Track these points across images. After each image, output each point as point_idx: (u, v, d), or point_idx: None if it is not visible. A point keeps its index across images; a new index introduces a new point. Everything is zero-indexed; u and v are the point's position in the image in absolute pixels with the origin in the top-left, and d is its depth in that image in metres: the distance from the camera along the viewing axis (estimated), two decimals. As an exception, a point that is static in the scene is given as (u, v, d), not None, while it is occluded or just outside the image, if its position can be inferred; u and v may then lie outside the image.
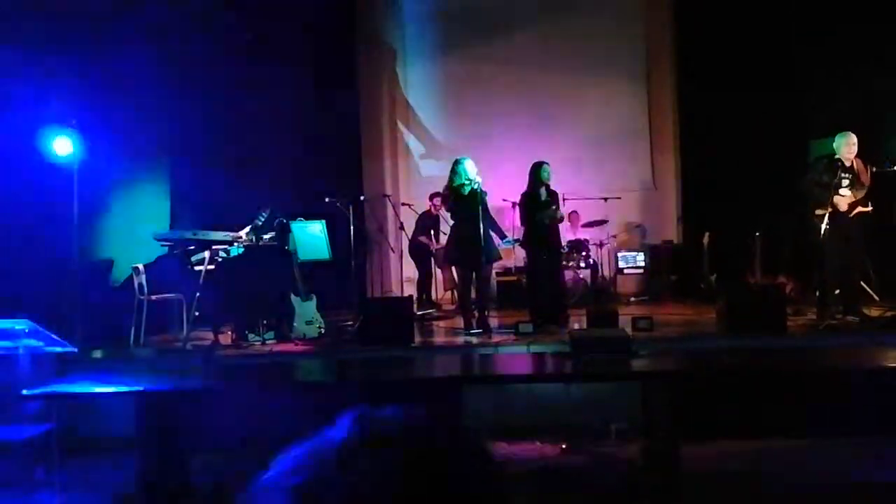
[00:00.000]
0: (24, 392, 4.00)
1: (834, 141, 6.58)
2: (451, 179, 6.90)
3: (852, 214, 6.43)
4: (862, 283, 7.04)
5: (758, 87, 9.62)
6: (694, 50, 10.20)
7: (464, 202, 6.75)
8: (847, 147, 6.46)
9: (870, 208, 6.49)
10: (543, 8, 10.86)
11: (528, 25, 10.85)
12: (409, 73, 11.22)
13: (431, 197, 9.34)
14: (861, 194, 6.47)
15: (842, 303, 6.69)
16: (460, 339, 6.70)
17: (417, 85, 11.18)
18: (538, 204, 7.09)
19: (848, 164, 6.46)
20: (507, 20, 10.96)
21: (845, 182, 6.44)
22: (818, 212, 6.38)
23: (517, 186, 7.58)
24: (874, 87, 8.43)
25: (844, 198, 6.42)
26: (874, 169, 6.66)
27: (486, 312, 7.12)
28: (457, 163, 6.88)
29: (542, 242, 7.10)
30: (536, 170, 7.16)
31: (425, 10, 11.13)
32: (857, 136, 6.54)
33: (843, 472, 4.12)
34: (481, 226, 6.64)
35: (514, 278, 9.49)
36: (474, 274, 6.89)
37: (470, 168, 6.79)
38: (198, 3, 8.49)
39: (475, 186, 6.70)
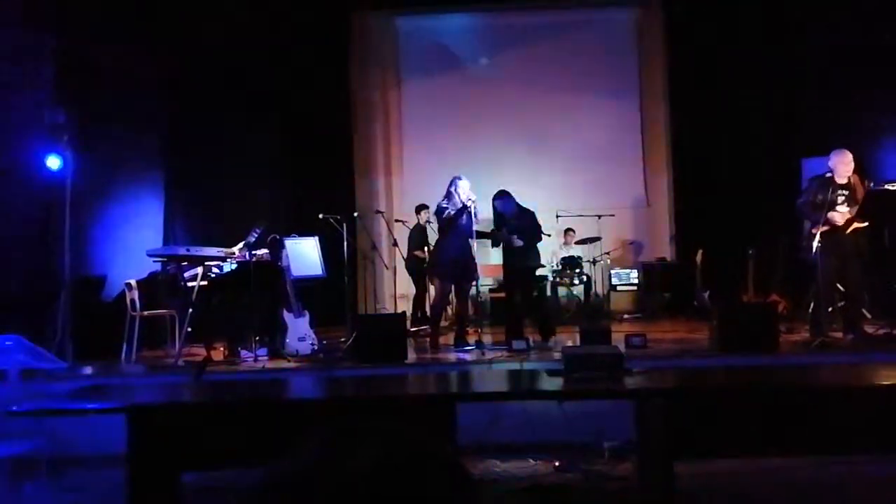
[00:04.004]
0: (14, 409, 3.96)
1: (829, 159, 6.54)
2: (445, 197, 6.94)
3: (848, 231, 6.40)
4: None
5: (750, 106, 9.70)
6: (686, 69, 10.28)
7: (456, 220, 6.79)
8: (843, 165, 6.41)
9: (866, 224, 6.45)
10: (538, 28, 10.95)
11: (523, 45, 10.93)
12: (403, 91, 11.27)
13: (418, 210, 9.36)
14: (855, 210, 6.45)
15: (843, 321, 6.69)
16: (453, 356, 6.68)
17: (411, 102, 11.23)
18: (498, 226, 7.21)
19: (843, 181, 6.42)
20: (501, 40, 11.04)
21: (841, 199, 6.40)
22: (813, 230, 6.32)
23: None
24: (866, 106, 8.49)
25: (840, 214, 6.38)
26: (871, 185, 6.64)
27: (480, 329, 7.15)
28: (452, 182, 6.92)
29: (510, 262, 7.18)
30: None
31: (420, 28, 11.20)
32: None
33: (836, 491, 4.12)
34: (472, 244, 6.72)
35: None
36: (453, 289, 7.06)
37: (464, 187, 6.85)
38: (193, 23, 8.53)
39: (469, 205, 6.75)
